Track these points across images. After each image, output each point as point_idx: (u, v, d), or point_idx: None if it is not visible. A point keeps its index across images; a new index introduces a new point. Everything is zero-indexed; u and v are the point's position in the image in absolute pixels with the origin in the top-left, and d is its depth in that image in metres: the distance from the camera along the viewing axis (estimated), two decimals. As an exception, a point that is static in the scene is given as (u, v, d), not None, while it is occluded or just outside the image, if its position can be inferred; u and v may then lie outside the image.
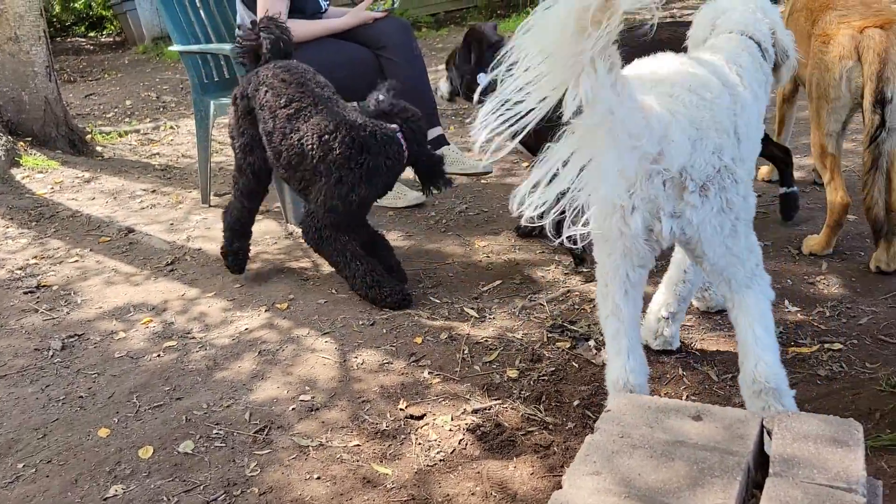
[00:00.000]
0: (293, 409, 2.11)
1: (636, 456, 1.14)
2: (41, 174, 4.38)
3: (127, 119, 6.29)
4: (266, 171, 2.84)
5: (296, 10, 3.40)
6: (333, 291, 2.80)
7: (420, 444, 1.94)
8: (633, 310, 1.73)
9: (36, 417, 2.17)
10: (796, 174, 3.53)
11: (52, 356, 2.50)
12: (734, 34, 2.02)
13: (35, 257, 3.33)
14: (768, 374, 1.61)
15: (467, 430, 1.97)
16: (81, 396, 2.25)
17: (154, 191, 4.17)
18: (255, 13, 3.32)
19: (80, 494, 1.83)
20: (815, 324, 2.29)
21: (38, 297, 2.94)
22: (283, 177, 2.80)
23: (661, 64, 1.71)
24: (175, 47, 3.63)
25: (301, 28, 3.31)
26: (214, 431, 2.03)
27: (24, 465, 1.96)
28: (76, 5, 12.67)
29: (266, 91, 2.69)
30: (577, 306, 2.56)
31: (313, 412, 2.09)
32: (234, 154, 2.87)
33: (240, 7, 3.47)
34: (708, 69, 1.72)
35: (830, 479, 1.06)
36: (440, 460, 1.87)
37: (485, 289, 2.74)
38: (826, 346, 2.17)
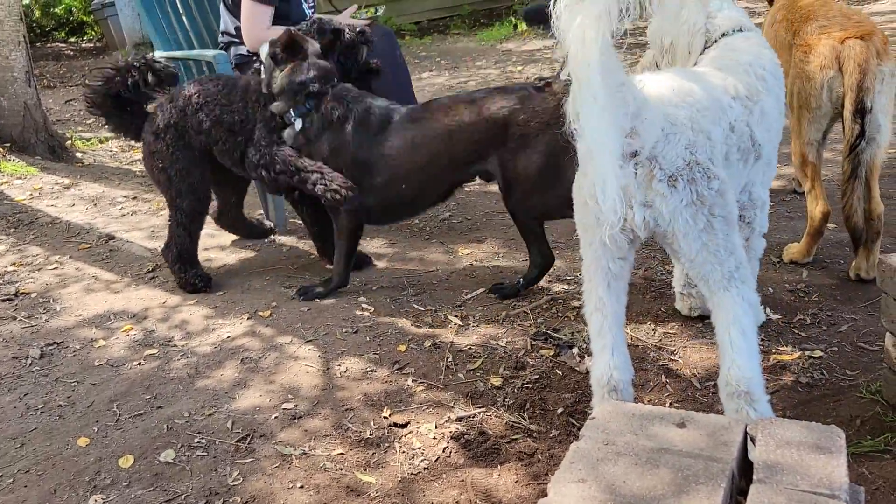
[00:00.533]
0: (276, 417, 2.09)
1: (621, 463, 1.15)
2: (20, 180, 4.33)
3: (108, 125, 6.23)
4: (208, 187, 2.92)
5: (280, 17, 3.39)
6: (317, 300, 2.78)
7: (404, 452, 1.93)
8: (617, 304, 1.75)
9: (13, 426, 2.13)
10: (776, 183, 3.57)
11: (30, 364, 2.46)
12: (746, 33, 2.06)
13: (13, 264, 3.28)
14: (740, 378, 1.61)
15: (451, 437, 1.97)
16: (60, 405, 2.22)
17: (135, 197, 4.13)
18: (239, 20, 3.31)
19: (58, 505, 1.80)
20: (796, 331, 2.31)
21: (16, 305, 2.90)
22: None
23: (656, 77, 1.76)
24: (158, 53, 3.61)
25: (284, 34, 3.30)
26: (196, 440, 2.01)
27: (0, 476, 1.92)
28: (56, 10, 12.53)
29: (229, 123, 2.80)
30: (560, 314, 2.56)
31: (296, 420, 2.08)
32: (165, 184, 2.88)
33: (224, 14, 3.45)
34: (702, 84, 1.76)
35: (814, 486, 1.07)
36: (424, 468, 1.86)
37: (468, 296, 2.74)
38: (807, 353, 2.19)
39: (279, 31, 3.29)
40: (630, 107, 1.52)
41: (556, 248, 3.06)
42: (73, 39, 12.21)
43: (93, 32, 12.08)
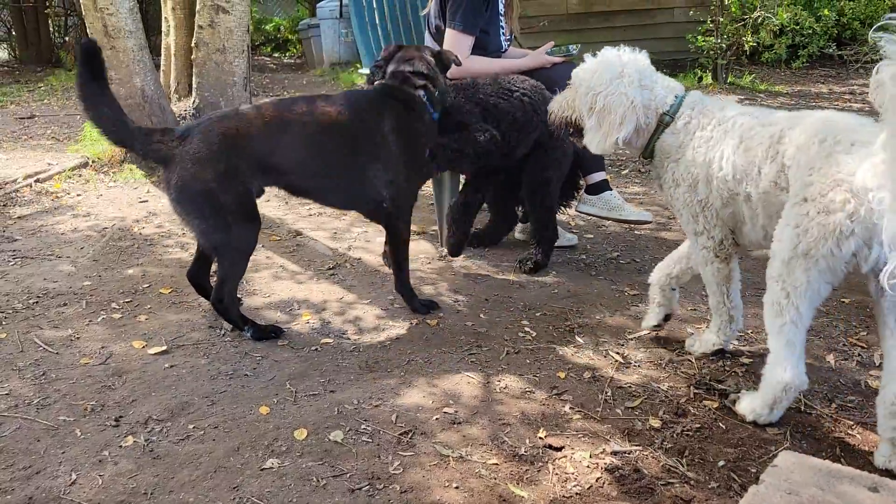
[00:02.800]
0: (437, 419, 2.19)
1: (805, 514, 1.12)
2: (225, 173, 4.80)
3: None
4: None
5: (477, 48, 3.56)
6: (482, 317, 2.88)
7: (557, 474, 1.95)
8: (809, 321, 2.02)
9: (206, 386, 2.38)
10: None
11: (223, 335, 2.73)
12: (694, 93, 2.43)
13: (214, 246, 3.65)
14: None
15: (606, 469, 1.97)
16: (247, 375, 2.45)
17: (321, 201, 4.46)
18: (441, 47, 3.52)
19: (240, 461, 1.99)
20: None
21: (215, 282, 3.21)
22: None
23: None
24: (364, 70, 3.91)
25: (481, 64, 3.47)
26: (363, 427, 2.14)
27: (194, 427, 2.15)
28: (267, 27, 13.81)
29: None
30: (727, 367, 2.49)
31: (455, 425, 2.16)
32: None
33: (428, 39, 3.68)
34: None
35: None
36: (576, 493, 1.88)
37: (631, 337, 2.72)
38: None
39: (477, 59, 3.48)
40: None
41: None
42: (276, 55, 13.37)
43: (294, 50, 13.17)
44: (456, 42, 3.45)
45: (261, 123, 2.56)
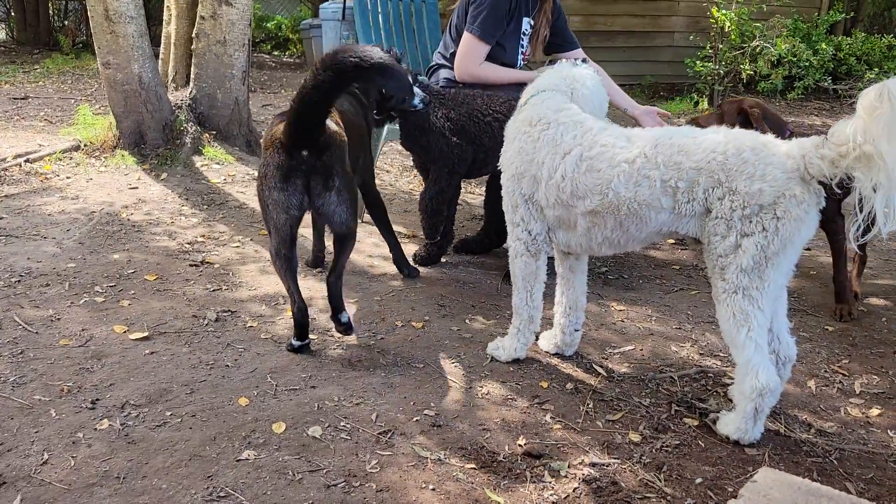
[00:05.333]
0: (416, 420, 2.18)
1: (782, 529, 1.12)
2: (218, 165, 4.78)
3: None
4: None
5: (490, 58, 3.52)
6: (467, 322, 2.87)
7: (534, 482, 1.95)
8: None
9: (186, 375, 2.35)
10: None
11: (206, 325, 2.71)
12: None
13: (203, 236, 3.63)
14: None
15: (583, 480, 1.96)
16: (227, 366, 2.42)
17: (313, 199, 4.44)
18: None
19: (216, 451, 1.97)
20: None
21: (201, 271, 3.20)
22: None
23: None
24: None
25: (491, 71, 3.46)
26: (342, 424, 2.13)
27: (171, 414, 2.13)
28: (268, 25, 13.79)
29: None
30: (709, 387, 2.49)
31: (435, 428, 2.15)
32: None
33: (447, 38, 3.61)
34: None
35: None
36: (553, 502, 1.87)
37: (616, 351, 2.72)
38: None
39: (489, 67, 3.46)
40: None
41: (713, 323, 2.99)
42: (276, 53, 13.34)
43: (294, 49, 13.14)
44: (470, 47, 3.39)
45: None
